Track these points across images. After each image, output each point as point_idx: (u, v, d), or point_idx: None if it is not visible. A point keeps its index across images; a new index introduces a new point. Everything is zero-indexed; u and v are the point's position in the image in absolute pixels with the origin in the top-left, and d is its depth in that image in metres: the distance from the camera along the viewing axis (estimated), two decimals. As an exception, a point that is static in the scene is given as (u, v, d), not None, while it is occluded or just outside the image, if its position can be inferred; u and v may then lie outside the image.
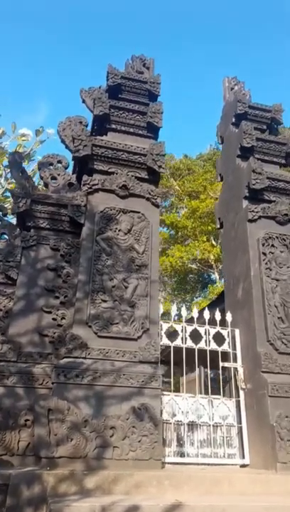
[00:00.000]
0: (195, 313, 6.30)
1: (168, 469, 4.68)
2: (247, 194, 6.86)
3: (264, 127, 8.06)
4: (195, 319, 6.26)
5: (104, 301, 5.45)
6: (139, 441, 4.61)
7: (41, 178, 6.83)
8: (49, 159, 6.96)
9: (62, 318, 5.46)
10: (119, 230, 5.96)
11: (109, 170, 6.41)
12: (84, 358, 5.04)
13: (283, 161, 7.61)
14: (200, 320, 6.38)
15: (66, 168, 7.05)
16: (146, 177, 6.52)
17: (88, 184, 6.18)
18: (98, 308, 5.39)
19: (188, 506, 3.62)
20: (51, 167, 6.87)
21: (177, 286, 25.25)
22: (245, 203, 6.86)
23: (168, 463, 5.28)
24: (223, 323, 6.36)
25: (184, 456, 5.41)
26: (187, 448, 5.50)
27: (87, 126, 7.27)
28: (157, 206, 6.37)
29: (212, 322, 6.29)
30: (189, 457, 5.45)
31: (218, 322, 6.32)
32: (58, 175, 6.83)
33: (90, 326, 5.25)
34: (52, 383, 4.80)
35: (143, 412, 4.75)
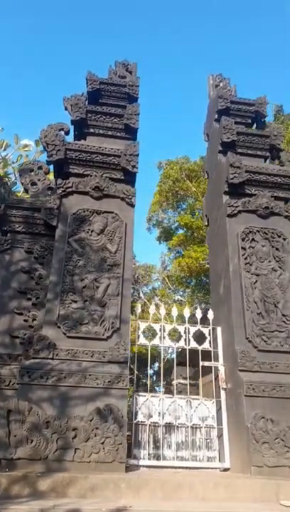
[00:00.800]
0: (173, 312, 6.16)
1: (131, 472, 4.54)
2: (227, 189, 6.70)
3: (249, 121, 7.87)
4: (174, 318, 6.12)
5: (74, 301, 5.43)
6: (102, 443, 4.51)
7: (22, 184, 6.94)
8: (30, 166, 7.08)
9: (34, 319, 5.48)
10: (91, 231, 5.95)
11: (85, 172, 6.44)
12: (52, 358, 5.02)
13: (267, 154, 7.40)
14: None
15: (47, 173, 7.14)
16: (122, 178, 6.49)
17: (62, 187, 6.23)
18: (68, 308, 5.37)
19: (134, 511, 3.48)
20: (31, 173, 6.97)
21: (195, 287, 24.96)
22: (225, 198, 6.70)
23: (143, 466, 5.15)
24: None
25: (160, 459, 5.24)
26: (164, 450, 5.34)
27: (68, 132, 7.33)
28: (132, 206, 6.32)
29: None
30: (166, 460, 5.28)
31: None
32: (38, 180, 6.92)
33: (59, 327, 5.24)
34: (17, 384, 4.80)
35: (108, 413, 4.66)
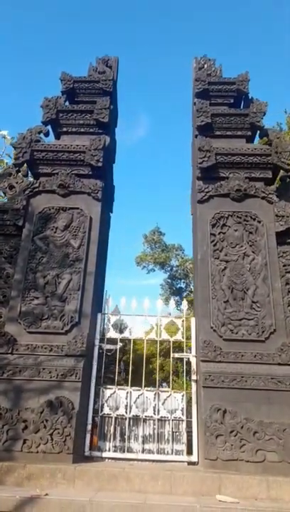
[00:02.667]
0: (145, 304, 6.06)
1: (77, 464, 4.52)
2: (199, 174, 6.44)
3: (231, 101, 7.48)
4: (146, 310, 6.02)
5: (36, 297, 5.57)
6: (51, 435, 4.58)
7: (1, 189, 7.23)
8: (8, 170, 7.31)
9: (0, 317, 5.70)
10: (56, 228, 6.06)
11: (53, 171, 6.57)
12: (11, 353, 5.19)
13: (248, 133, 6.99)
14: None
15: (26, 176, 7.36)
16: (89, 173, 6.53)
17: (29, 188, 6.42)
18: (29, 305, 5.52)
19: (47, 500, 3.52)
20: (10, 177, 7.24)
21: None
22: (198, 183, 6.45)
23: (108, 458, 5.14)
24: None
25: (124, 451, 5.19)
26: (130, 443, 5.29)
27: (48, 134, 7.49)
28: (98, 200, 6.32)
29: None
30: (132, 453, 5.21)
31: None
32: (16, 183, 7.11)
33: (20, 323, 5.41)
34: (-25, 379, 5.03)
35: (58, 405, 4.72)
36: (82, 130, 7.10)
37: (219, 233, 5.93)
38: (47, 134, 7.21)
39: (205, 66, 8.31)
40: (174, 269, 23.10)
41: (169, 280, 22.99)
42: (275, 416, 4.64)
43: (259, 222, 5.97)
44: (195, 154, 6.53)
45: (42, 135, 7.08)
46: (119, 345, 5.80)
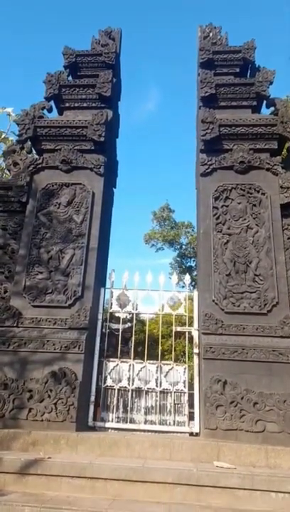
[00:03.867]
0: (148, 278, 6.07)
1: (81, 432, 4.66)
2: (202, 147, 6.31)
3: (237, 70, 7.24)
4: (149, 284, 6.03)
5: (40, 272, 5.64)
6: (55, 404, 4.71)
7: (6, 166, 7.23)
8: (12, 147, 7.29)
9: (5, 291, 5.78)
10: (59, 204, 6.07)
11: (56, 147, 6.53)
12: (17, 326, 5.30)
13: (254, 103, 6.77)
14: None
15: (29, 152, 7.34)
16: (92, 148, 6.46)
17: (33, 164, 6.40)
18: (33, 279, 5.59)
19: (51, 462, 3.64)
20: (14, 154, 7.22)
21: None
22: (201, 156, 6.33)
23: (111, 428, 5.27)
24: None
25: (127, 422, 5.30)
26: (133, 414, 5.40)
27: (51, 110, 7.41)
28: (100, 175, 6.28)
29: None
30: (134, 423, 5.32)
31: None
32: (20, 160, 7.12)
33: (25, 297, 5.49)
34: (-18, 351, 5.16)
35: (62, 376, 4.83)
36: (85, 105, 7.00)
37: (222, 206, 5.85)
38: (50, 110, 7.14)
39: (211, 35, 8.03)
40: (183, 247, 22.85)
41: (178, 259, 22.81)
42: (276, 387, 4.66)
43: (263, 194, 5.86)
44: (199, 126, 6.39)
45: (45, 111, 7.02)
46: (122, 319, 5.86)
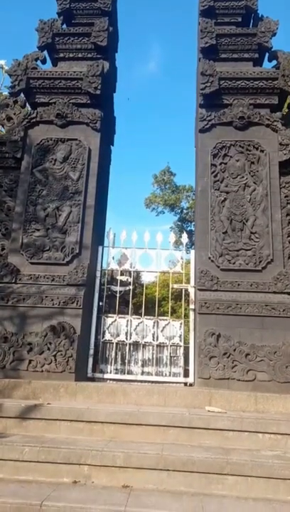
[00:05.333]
0: (146, 237, 6.10)
1: (79, 382, 4.87)
2: (202, 102, 6.13)
3: (239, 19, 6.88)
4: (146, 243, 6.07)
5: (37, 229, 5.65)
6: (54, 356, 4.88)
7: (-1, 121, 7.03)
8: (6, 101, 7.06)
9: (3, 248, 5.81)
10: (55, 160, 5.97)
11: (51, 101, 6.34)
12: (15, 282, 5.39)
13: (256, 56, 6.51)
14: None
15: (23, 107, 7.12)
16: (88, 102, 6.27)
17: (27, 118, 6.24)
18: (30, 237, 5.62)
19: (50, 407, 3.83)
20: (7, 108, 7.01)
21: None
22: (200, 111, 6.16)
23: (109, 379, 5.49)
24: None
25: (124, 373, 5.52)
26: (131, 366, 5.61)
27: (45, 61, 7.12)
28: (97, 130, 6.13)
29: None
30: (132, 375, 5.55)
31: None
32: (14, 114, 6.90)
33: (22, 254, 5.54)
34: (-18, 306, 5.27)
35: (60, 330, 4.98)
36: (80, 55, 6.71)
37: (220, 164, 5.77)
38: (44, 61, 6.85)
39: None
40: (184, 211, 22.77)
41: (179, 223, 22.77)
42: (267, 340, 4.83)
43: (262, 151, 5.77)
44: (199, 80, 6.18)
45: (39, 62, 6.74)
46: (121, 281, 5.95)
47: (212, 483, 3.13)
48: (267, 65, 6.80)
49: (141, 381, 5.49)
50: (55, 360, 4.87)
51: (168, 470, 3.16)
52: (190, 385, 5.41)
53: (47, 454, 3.28)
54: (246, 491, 3.08)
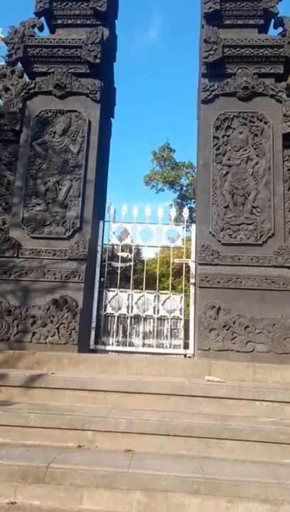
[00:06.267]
0: (147, 212, 6.09)
1: (82, 353, 4.99)
2: (205, 71, 5.96)
3: (244, -17, 6.59)
4: (147, 218, 6.06)
5: (38, 204, 5.63)
6: (57, 328, 4.98)
7: (-4, 92, 6.86)
8: (2, 71, 6.86)
9: (4, 223, 5.80)
10: (54, 133, 5.88)
11: (49, 70, 6.17)
12: (17, 257, 5.42)
13: (261, 22, 6.27)
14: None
15: (21, 77, 6.94)
16: (87, 71, 6.10)
17: (25, 89, 6.10)
18: (31, 211, 5.61)
19: (54, 376, 3.94)
20: (5, 79, 6.83)
21: None
22: (203, 81, 6.00)
23: (111, 351, 5.61)
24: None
25: (126, 345, 5.64)
26: (132, 339, 5.73)
27: (42, 28, 6.87)
28: (97, 102, 6.00)
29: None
30: (133, 346, 5.67)
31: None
32: (11, 85, 6.72)
33: (23, 229, 5.55)
34: (-16, 280, 5.33)
35: (63, 303, 5.05)
36: (79, 22, 6.47)
37: (223, 136, 5.68)
38: (41, 29, 6.62)
39: None
40: (184, 188, 22.59)
41: (179, 200, 22.62)
42: (266, 313, 4.91)
43: (266, 123, 5.66)
44: (202, 48, 5.98)
45: (36, 30, 6.52)
46: (122, 258, 5.98)
47: (211, 447, 3.26)
48: (273, 32, 6.59)
49: (142, 353, 5.61)
50: (58, 332, 4.97)
51: (168, 435, 3.29)
52: (190, 356, 5.54)
53: (52, 421, 3.40)
54: (244, 455, 3.22)
